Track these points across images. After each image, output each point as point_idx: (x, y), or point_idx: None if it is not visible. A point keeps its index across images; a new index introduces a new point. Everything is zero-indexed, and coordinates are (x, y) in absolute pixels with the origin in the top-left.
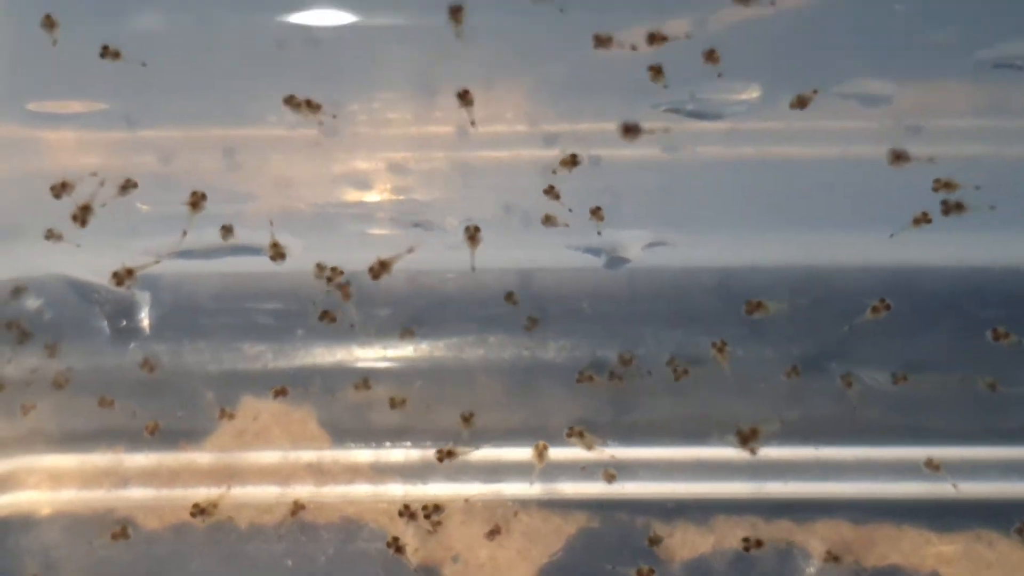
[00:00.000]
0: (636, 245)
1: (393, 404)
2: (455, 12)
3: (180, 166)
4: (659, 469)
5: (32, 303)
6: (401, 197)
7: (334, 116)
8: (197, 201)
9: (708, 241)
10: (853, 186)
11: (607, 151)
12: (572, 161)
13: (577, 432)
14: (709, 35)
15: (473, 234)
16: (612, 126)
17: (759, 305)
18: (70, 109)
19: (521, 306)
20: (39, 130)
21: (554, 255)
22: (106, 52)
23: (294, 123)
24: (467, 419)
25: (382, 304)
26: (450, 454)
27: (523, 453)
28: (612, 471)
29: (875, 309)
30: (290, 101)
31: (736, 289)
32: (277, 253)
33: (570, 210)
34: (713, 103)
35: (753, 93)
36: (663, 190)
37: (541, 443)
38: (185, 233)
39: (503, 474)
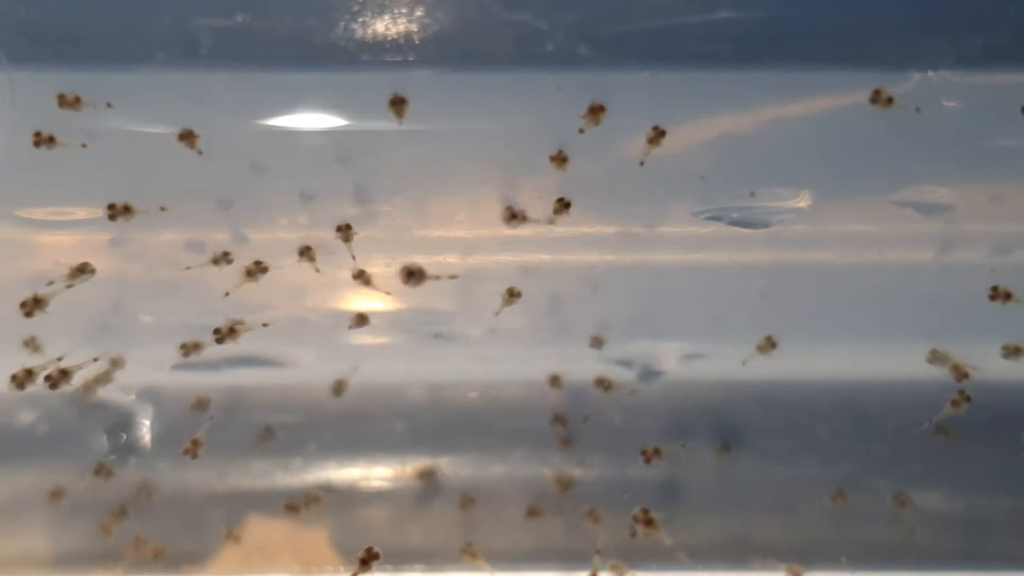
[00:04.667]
0: (672, 357)
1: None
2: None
3: (186, 273)
4: None
5: (26, 416)
6: (419, 305)
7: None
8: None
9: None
10: (904, 294)
11: (640, 256)
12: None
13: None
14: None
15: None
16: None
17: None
18: (71, 216)
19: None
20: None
21: (583, 367)
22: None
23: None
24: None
25: (399, 417)
26: None
27: None
28: None
29: (955, 403)
30: None
31: (778, 404)
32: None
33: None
34: (760, 211)
35: (803, 202)
36: (700, 297)
37: None
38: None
39: None
